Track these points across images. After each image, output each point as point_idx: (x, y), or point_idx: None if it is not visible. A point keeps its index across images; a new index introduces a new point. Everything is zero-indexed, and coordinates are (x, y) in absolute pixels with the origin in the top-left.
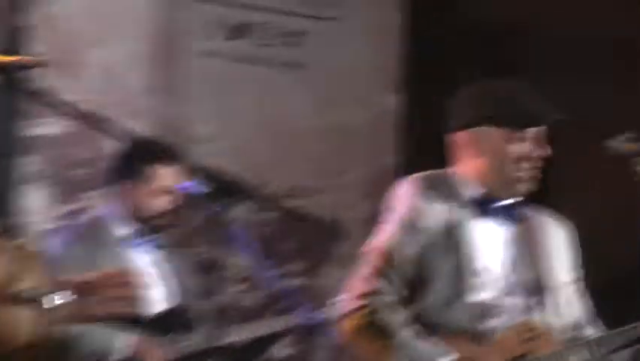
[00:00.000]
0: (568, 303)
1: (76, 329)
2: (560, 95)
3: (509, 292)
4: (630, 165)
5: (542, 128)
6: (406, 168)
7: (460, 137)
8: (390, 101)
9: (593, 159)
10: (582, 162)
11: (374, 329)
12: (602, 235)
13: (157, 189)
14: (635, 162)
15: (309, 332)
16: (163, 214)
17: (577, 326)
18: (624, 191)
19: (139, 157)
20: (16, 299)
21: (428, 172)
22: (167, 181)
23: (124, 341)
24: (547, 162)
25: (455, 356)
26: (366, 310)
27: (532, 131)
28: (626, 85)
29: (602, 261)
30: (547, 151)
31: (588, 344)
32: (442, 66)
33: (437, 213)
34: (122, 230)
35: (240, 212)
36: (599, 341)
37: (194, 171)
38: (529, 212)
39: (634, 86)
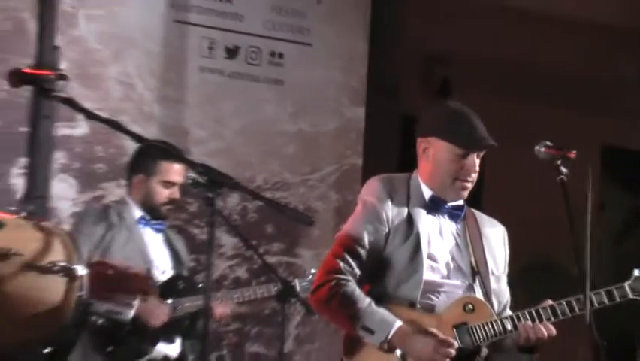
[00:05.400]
0: (497, 289)
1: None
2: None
3: (451, 275)
4: (553, 169)
5: (481, 152)
6: (368, 168)
7: (419, 142)
8: (355, 113)
9: (520, 166)
10: (512, 169)
11: (338, 299)
12: (529, 233)
13: (163, 181)
14: (555, 166)
15: (286, 299)
16: (167, 202)
17: (500, 308)
18: (548, 193)
19: (149, 155)
20: (48, 270)
21: (391, 174)
22: (170, 176)
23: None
24: (479, 175)
25: (401, 322)
26: (332, 284)
27: (472, 153)
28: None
29: (528, 255)
30: (476, 170)
31: (512, 317)
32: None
33: (396, 207)
34: (136, 214)
35: (230, 201)
36: (519, 316)
37: (193, 167)
38: (472, 212)
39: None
